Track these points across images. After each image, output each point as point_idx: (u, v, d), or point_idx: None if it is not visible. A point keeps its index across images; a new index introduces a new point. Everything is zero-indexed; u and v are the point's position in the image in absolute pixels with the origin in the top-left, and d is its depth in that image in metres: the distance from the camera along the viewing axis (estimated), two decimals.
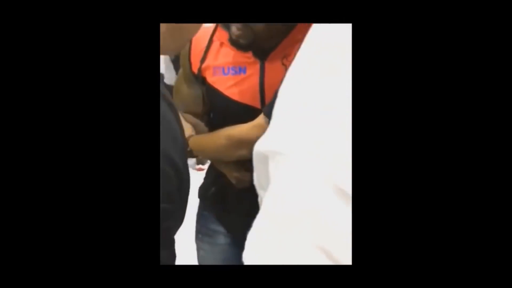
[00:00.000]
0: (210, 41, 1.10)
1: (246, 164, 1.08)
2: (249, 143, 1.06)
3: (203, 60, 1.11)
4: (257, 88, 1.07)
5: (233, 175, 1.13)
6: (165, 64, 3.42)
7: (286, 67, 1.04)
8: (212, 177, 1.26)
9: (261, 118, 1.02)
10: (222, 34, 1.10)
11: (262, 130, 1.06)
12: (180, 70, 1.21)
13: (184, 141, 0.51)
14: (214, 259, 1.27)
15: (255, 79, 1.07)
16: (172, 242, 0.47)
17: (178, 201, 0.47)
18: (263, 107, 1.07)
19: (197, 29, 0.59)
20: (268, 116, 1.00)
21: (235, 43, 1.07)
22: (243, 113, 1.08)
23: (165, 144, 0.44)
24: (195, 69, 1.13)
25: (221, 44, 1.10)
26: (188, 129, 1.13)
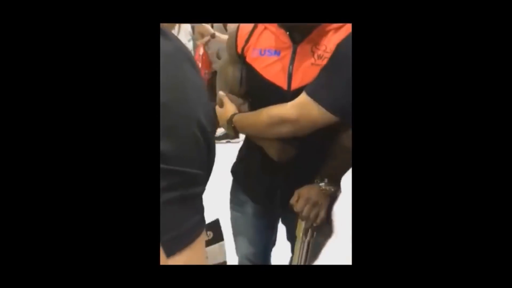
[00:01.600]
0: (255, 25, 1.23)
1: (287, 140, 1.18)
2: (291, 121, 1.12)
3: (247, 41, 1.23)
4: (286, 69, 1.17)
5: (273, 150, 1.21)
6: None
7: (313, 54, 1.14)
8: (243, 154, 1.38)
9: (303, 97, 1.10)
10: None
11: (304, 109, 1.10)
12: (225, 54, 1.34)
13: (212, 108, 0.52)
14: (244, 224, 1.40)
15: (286, 62, 1.18)
16: (203, 208, 0.47)
17: (207, 167, 0.47)
18: (289, 87, 1.16)
19: None
20: (311, 95, 1.07)
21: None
22: (271, 91, 1.18)
23: (195, 108, 0.44)
24: (239, 49, 1.25)
25: (265, 28, 1.22)
26: (231, 108, 1.24)
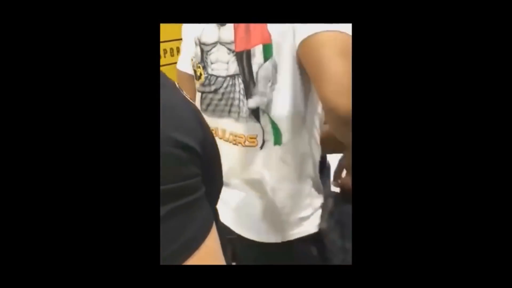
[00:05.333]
0: None
1: None
2: None
3: None
4: None
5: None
6: None
7: None
8: None
9: None
10: None
11: None
12: None
13: (195, 119, 0.52)
14: None
15: None
16: (207, 206, 0.49)
17: (201, 173, 0.49)
18: None
19: None
20: None
21: None
22: None
23: (165, 128, 0.45)
24: None
25: None
26: None
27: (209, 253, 0.46)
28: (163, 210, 0.44)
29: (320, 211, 0.98)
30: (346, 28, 0.75)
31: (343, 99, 0.73)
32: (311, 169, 0.96)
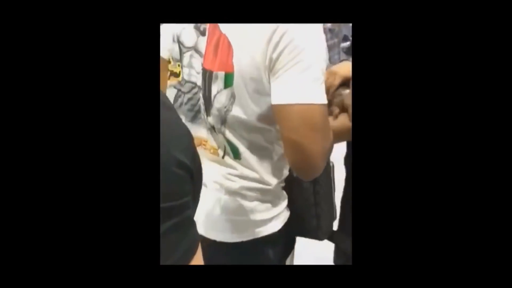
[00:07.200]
0: None
1: None
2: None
3: None
4: None
5: None
6: None
7: None
8: None
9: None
10: None
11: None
12: None
13: (190, 138, 0.54)
14: None
15: None
16: (194, 224, 0.53)
17: (193, 192, 0.53)
18: None
19: None
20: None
21: None
22: None
23: (169, 148, 0.46)
24: None
25: None
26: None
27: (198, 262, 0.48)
28: (167, 224, 0.46)
29: (282, 215, 1.00)
30: (317, 98, 0.81)
31: (306, 169, 0.87)
32: (273, 178, 0.98)
